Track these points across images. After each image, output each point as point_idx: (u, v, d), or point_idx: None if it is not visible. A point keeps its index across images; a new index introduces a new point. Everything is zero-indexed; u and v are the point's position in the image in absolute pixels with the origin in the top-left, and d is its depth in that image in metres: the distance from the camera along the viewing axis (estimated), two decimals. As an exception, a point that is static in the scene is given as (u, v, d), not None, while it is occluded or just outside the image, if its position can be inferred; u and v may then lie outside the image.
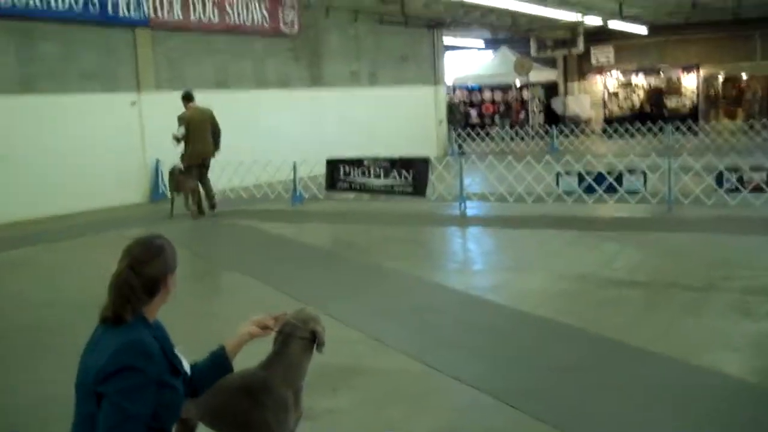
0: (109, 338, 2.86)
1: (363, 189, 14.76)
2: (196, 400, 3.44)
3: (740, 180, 12.53)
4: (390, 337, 6.60)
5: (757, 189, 12.40)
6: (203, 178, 14.18)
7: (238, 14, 19.19)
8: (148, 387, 2.80)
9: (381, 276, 9.12)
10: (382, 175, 14.36)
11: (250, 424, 3.39)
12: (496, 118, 35.02)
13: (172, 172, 13.99)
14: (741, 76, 31.88)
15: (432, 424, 4.91)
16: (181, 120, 13.86)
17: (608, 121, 31.99)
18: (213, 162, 15.06)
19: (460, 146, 26.77)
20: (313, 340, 3.52)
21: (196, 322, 7.23)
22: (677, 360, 5.74)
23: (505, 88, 35.34)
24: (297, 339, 3.49)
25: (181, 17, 17.67)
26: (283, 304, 7.53)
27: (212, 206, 14.27)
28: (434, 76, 27.14)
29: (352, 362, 5.94)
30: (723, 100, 32.26)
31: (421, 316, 7.30)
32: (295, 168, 15.45)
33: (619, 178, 13.12)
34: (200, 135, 13.78)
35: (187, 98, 14.07)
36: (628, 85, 33.55)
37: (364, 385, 5.57)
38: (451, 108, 28.73)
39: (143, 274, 2.93)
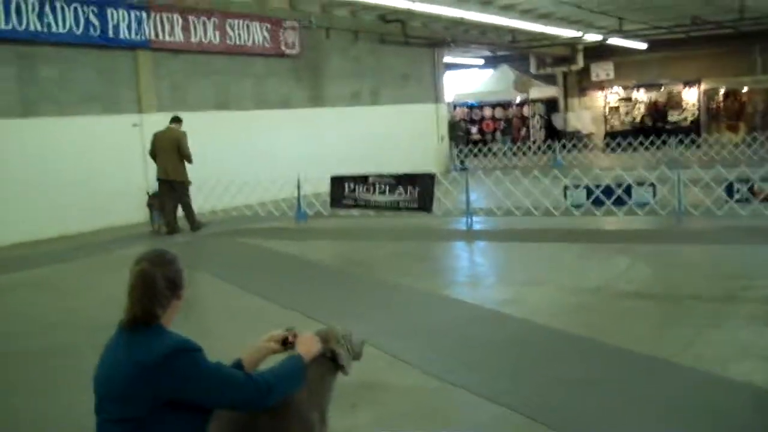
0: (143, 340, 2.76)
1: (368, 205, 14.62)
2: (219, 417, 3.28)
3: (750, 190, 12.39)
4: (406, 353, 6.44)
5: (768, 199, 12.26)
6: (180, 199, 14.46)
7: (239, 35, 19.11)
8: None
9: (391, 292, 8.95)
10: (387, 191, 14.21)
11: (275, 445, 3.23)
12: (497, 134, 34.98)
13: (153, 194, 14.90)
14: (741, 90, 31.86)
15: (455, 441, 4.75)
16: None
17: (609, 135, 31.90)
18: (216, 181, 15.00)
19: (462, 162, 26.70)
20: (334, 359, 3.40)
21: (204, 342, 7.06)
22: (703, 371, 5.57)
23: (506, 105, 35.32)
24: (319, 358, 3.36)
25: (182, 39, 17.59)
26: (292, 322, 7.41)
27: (192, 226, 14.46)
28: (435, 94, 27.09)
29: (369, 378, 5.76)
30: (724, 114, 32.22)
31: (435, 331, 7.14)
32: (299, 185, 15.33)
33: (627, 190, 12.98)
34: (160, 154, 14.27)
35: (173, 120, 14.56)
36: (628, 99, 33.51)
37: (383, 402, 5.40)
38: (453, 125, 28.67)
39: (165, 273, 2.87)
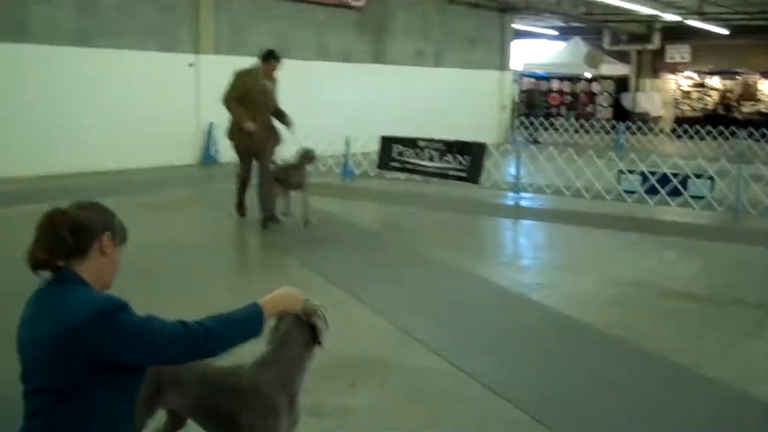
0: (65, 298, 2.47)
1: (415, 170, 14.27)
2: (182, 391, 3.06)
3: (815, 193, 11.74)
4: (422, 331, 6.13)
5: (834, 205, 11.61)
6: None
7: (304, -18, 18.81)
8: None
9: (423, 264, 8.63)
10: (436, 157, 13.84)
11: (237, 426, 2.98)
12: (563, 109, 34.12)
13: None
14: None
15: (453, 434, 4.46)
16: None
17: (679, 121, 30.88)
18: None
19: (532, 135, 26.04)
20: (314, 336, 3.05)
21: (227, 298, 6.87)
22: (731, 386, 5.18)
23: (574, 79, 34.42)
24: (296, 336, 3.03)
25: (246, -19, 17.36)
26: (315, 285, 7.19)
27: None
28: (501, 61, 26.45)
29: (376, 355, 5.51)
30: (801, 109, 30.96)
31: (458, 311, 6.83)
32: (348, 142, 15.05)
33: (684, 182, 12.42)
34: None
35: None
36: (702, 85, 32.35)
37: (385, 382, 5.11)
38: (534, 94, 28.09)
39: (72, 216, 2.55)
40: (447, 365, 5.42)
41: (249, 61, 17.65)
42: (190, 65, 16.49)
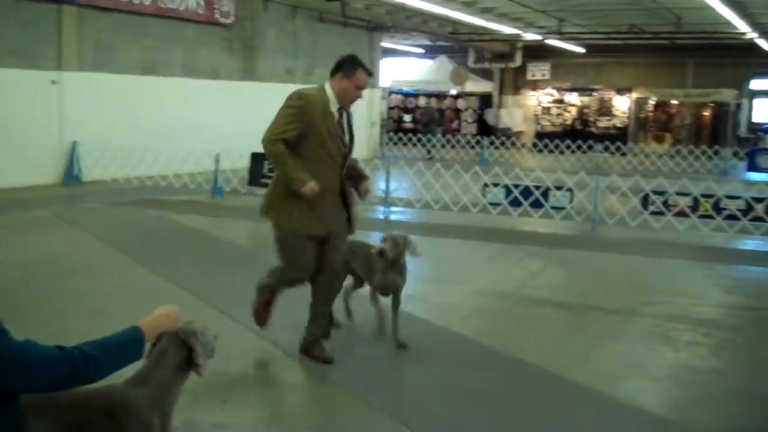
0: None
1: (286, 187, 14.26)
2: (49, 418, 2.98)
3: (665, 203, 12.49)
4: (296, 348, 6.18)
5: (682, 213, 12.37)
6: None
7: (172, -1, 18.54)
8: None
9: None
10: (307, 173, 13.89)
11: (110, 448, 2.95)
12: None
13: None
14: (671, 102, 32.36)
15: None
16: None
17: (539, 136, 32.05)
18: (130, 148, 14.34)
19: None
20: (190, 357, 3.08)
21: (90, 320, 6.73)
22: (594, 389, 5.47)
23: (441, 96, 35.28)
24: (172, 356, 3.05)
25: (111, -4, 16.95)
26: (185, 303, 7.10)
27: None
28: (371, 78, 26.77)
29: (250, 373, 5.53)
30: (652, 124, 32.68)
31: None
32: (217, 159, 14.93)
33: (545, 193, 12.97)
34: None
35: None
36: (561, 102, 33.71)
37: (260, 400, 5.14)
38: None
39: None
40: (322, 381, 5.50)
41: (116, 79, 17.48)
42: (53, 82, 15.98)
